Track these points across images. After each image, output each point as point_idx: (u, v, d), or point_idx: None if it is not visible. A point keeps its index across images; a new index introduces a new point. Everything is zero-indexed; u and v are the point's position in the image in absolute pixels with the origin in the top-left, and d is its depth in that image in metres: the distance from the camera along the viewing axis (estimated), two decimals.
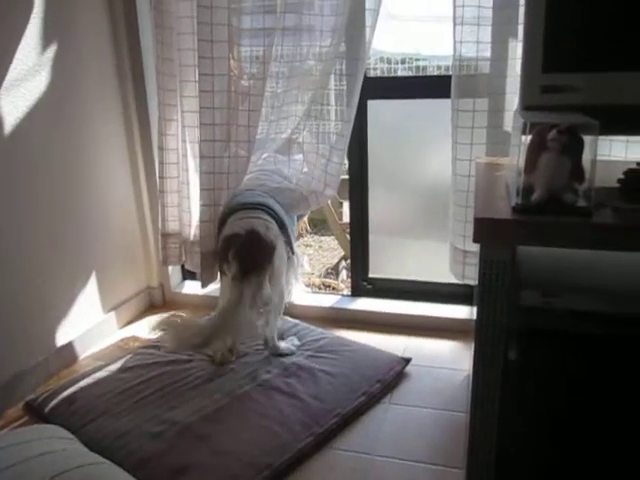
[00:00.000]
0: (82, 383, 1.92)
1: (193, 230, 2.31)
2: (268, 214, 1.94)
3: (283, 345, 2.07)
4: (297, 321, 2.30)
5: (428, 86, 2.19)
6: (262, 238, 1.84)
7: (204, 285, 2.20)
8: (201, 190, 2.13)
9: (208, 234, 2.14)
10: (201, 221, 2.16)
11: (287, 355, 2.04)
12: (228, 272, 1.83)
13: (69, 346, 2.16)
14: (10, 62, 1.84)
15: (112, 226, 2.37)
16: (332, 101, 2.17)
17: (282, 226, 1.97)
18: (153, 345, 2.16)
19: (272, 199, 2.05)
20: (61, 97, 2.05)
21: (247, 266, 1.80)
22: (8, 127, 1.85)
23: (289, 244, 1.99)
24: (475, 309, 1.22)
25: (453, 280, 2.12)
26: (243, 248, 1.82)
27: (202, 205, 2.14)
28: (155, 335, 2.01)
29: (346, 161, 2.33)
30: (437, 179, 2.28)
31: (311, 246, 4.14)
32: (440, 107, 2.04)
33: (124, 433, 1.65)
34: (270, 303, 1.86)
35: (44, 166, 2.00)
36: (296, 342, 2.13)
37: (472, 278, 2.02)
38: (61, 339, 2.13)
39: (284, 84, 2.10)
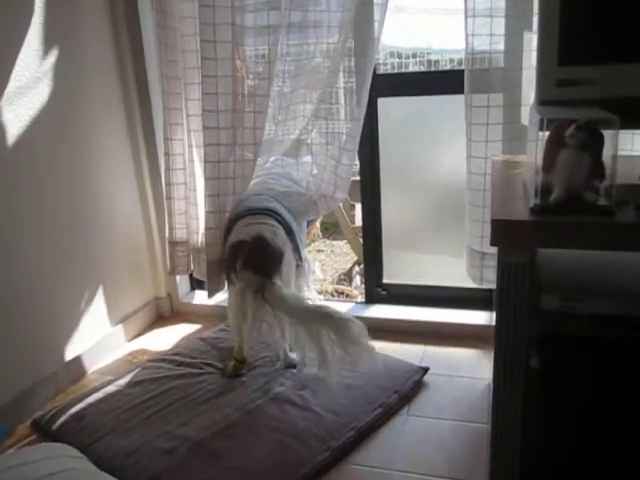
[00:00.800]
0: (90, 399, 1.94)
1: (201, 237, 2.33)
2: (275, 219, 1.94)
3: (294, 356, 2.08)
4: None
5: (440, 81, 2.18)
6: (269, 244, 1.84)
7: (211, 295, 2.21)
8: (206, 196, 2.15)
9: (214, 242, 2.15)
10: (207, 228, 2.18)
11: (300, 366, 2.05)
12: (237, 282, 1.84)
13: (77, 360, 2.18)
14: (11, 70, 1.86)
15: (118, 236, 2.39)
16: (341, 100, 2.17)
17: (290, 232, 1.97)
18: (162, 358, 2.17)
19: (279, 204, 2.06)
20: (64, 106, 2.08)
21: (260, 273, 1.80)
22: (11, 137, 1.88)
23: (297, 251, 1.99)
24: (494, 314, 1.21)
25: (471, 284, 2.11)
26: (251, 256, 1.83)
27: (207, 212, 2.15)
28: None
29: (357, 162, 2.34)
30: (452, 178, 2.28)
31: (323, 251, 4.14)
32: (453, 103, 2.04)
33: (134, 450, 1.66)
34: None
35: (48, 177, 2.03)
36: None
37: (491, 281, 2.01)
38: (69, 353, 2.15)
39: (291, 83, 2.11)
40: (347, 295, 3.13)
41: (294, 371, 2.02)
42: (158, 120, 2.38)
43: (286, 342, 2.02)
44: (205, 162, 2.11)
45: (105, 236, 2.32)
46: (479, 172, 1.93)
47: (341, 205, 3.49)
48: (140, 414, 1.83)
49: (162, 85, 2.21)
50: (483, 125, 1.89)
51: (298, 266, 2.00)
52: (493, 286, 1.94)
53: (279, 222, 1.93)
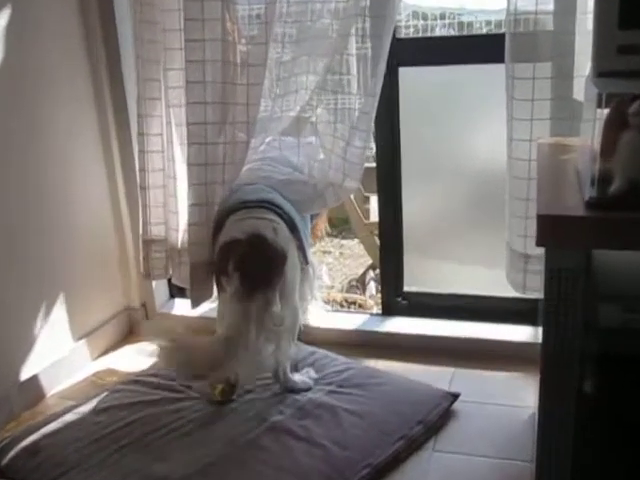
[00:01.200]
0: (48, 428, 1.96)
1: (182, 235, 2.34)
2: (275, 213, 1.96)
3: (297, 378, 2.09)
4: (314, 348, 2.32)
5: (475, 48, 2.20)
6: (269, 244, 1.85)
7: (195, 304, 2.21)
8: (190, 185, 2.16)
9: (199, 240, 2.16)
10: (190, 224, 2.19)
11: (302, 391, 2.06)
12: (228, 288, 1.85)
13: (33, 381, 2.20)
14: None
15: (82, 233, 2.41)
16: (353, 69, 2.17)
17: (293, 228, 1.98)
18: (134, 380, 2.19)
19: (279, 195, 2.07)
20: (15, 74, 2.09)
21: (252, 281, 1.81)
22: None
23: (302, 250, 2.01)
24: (540, 330, 1.22)
25: (512, 293, 2.12)
26: (246, 257, 1.84)
27: (191, 204, 2.17)
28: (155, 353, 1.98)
29: (372, 145, 2.35)
30: (489, 165, 2.29)
31: (330, 252, 4.16)
32: (491, 74, 2.05)
33: None
34: (282, 325, 1.87)
35: None
36: (313, 374, 2.14)
37: (536, 290, 2.02)
38: (24, 373, 2.17)
39: (292, 50, 2.12)
40: (360, 305, 3.15)
41: (295, 397, 2.03)
42: (131, 94, 2.39)
43: (286, 360, 2.04)
44: (189, 144, 2.12)
45: (66, 234, 2.33)
46: (522, 157, 1.94)
47: (352, 197, 3.50)
48: (108, 447, 1.85)
49: (136, 51, 2.22)
50: (528, 101, 1.89)
51: (302, 269, 2.02)
52: (539, 295, 1.95)
53: (280, 216, 1.95)
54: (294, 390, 2.06)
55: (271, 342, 1.90)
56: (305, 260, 2.04)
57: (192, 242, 2.19)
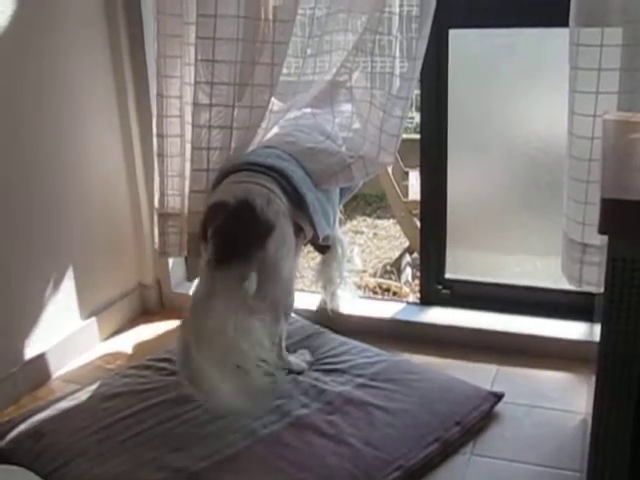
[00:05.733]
0: (52, 413, 2.00)
1: None
2: (276, 183, 1.99)
3: (292, 360, 2.13)
4: (345, 338, 2.34)
5: (536, 9, 2.16)
6: (256, 214, 1.88)
7: (190, 278, 2.24)
8: (193, 149, 2.19)
9: (199, 209, 2.18)
10: (191, 190, 2.23)
11: (295, 373, 2.11)
12: (203, 254, 1.89)
13: (38, 360, 2.26)
14: None
15: (94, 205, 2.45)
16: (394, 29, 2.15)
17: (299, 204, 2.02)
18: (146, 365, 2.23)
19: (295, 165, 2.10)
20: (24, 29, 2.10)
21: (228, 250, 1.84)
22: None
23: (313, 226, 2.04)
24: (598, 327, 1.22)
25: (566, 285, 2.11)
26: (227, 224, 1.87)
27: (194, 170, 2.20)
28: None
29: (415, 115, 2.34)
30: (546, 142, 2.28)
31: (363, 233, 4.16)
32: (553, 40, 2.04)
33: None
34: (263, 302, 1.89)
35: (2, 132, 2.07)
36: (308, 357, 2.20)
37: (593, 283, 2.01)
38: (29, 351, 2.22)
39: (326, 4, 2.12)
40: (394, 293, 3.16)
41: (300, 378, 2.09)
42: (151, 51, 2.41)
43: (278, 336, 2.06)
44: (194, 105, 2.15)
45: (77, 205, 2.37)
46: (585, 135, 1.92)
47: (390, 172, 3.50)
48: (118, 435, 1.89)
49: (157, 4, 2.23)
50: (594, 71, 1.87)
51: (330, 246, 1.99)
52: (597, 289, 1.95)
53: (282, 188, 1.98)
54: (293, 372, 2.11)
55: (245, 321, 1.86)
56: (317, 236, 2.09)
57: (192, 211, 2.23)
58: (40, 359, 2.26)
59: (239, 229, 1.89)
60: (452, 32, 2.28)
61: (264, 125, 2.21)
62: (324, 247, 2.34)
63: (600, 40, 1.86)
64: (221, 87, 2.13)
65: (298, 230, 2.06)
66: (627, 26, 1.84)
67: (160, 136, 2.34)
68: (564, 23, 1.91)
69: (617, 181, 1.22)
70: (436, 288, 2.53)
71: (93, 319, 2.48)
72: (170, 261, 2.68)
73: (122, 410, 1.98)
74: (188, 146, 2.30)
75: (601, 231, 1.15)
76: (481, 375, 2.18)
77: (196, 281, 2.70)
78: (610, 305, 1.18)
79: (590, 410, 1.30)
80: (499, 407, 2.03)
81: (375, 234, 4.16)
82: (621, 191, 1.16)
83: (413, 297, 2.69)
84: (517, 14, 2.20)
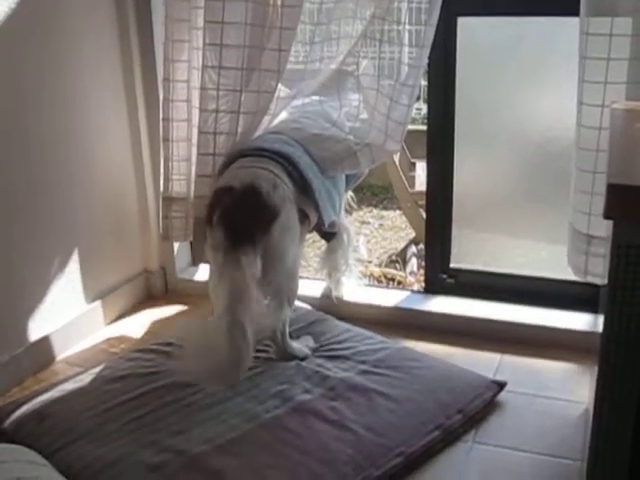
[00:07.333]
0: (56, 394, 2.01)
1: None
2: (282, 168, 1.99)
3: (295, 345, 2.14)
4: (348, 325, 2.35)
5: None
6: (262, 199, 1.89)
7: (196, 262, 2.26)
8: (200, 133, 2.20)
9: (205, 194, 2.20)
10: (198, 175, 2.24)
11: (298, 359, 2.12)
12: (209, 239, 1.91)
13: (43, 343, 2.27)
14: None
15: (101, 188, 2.46)
16: (403, 17, 2.15)
17: (305, 189, 2.03)
18: (150, 348, 2.23)
19: (302, 151, 2.11)
20: (34, 13, 2.11)
21: (235, 235, 1.86)
22: None
23: (319, 212, 2.05)
24: (601, 318, 1.22)
25: (571, 276, 2.12)
26: (233, 208, 1.89)
27: (200, 154, 2.21)
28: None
29: (422, 106, 2.34)
30: (553, 132, 2.27)
31: (369, 223, 4.17)
32: (563, 29, 2.04)
33: (113, 462, 1.73)
34: (269, 287, 1.92)
35: (7, 115, 2.07)
36: (311, 344, 2.21)
37: (598, 275, 2.01)
38: (34, 333, 2.23)
39: None
40: (399, 282, 3.16)
41: (303, 364, 2.09)
42: (159, 35, 2.42)
43: (282, 322, 2.07)
44: (202, 89, 2.16)
45: (83, 190, 2.38)
46: (593, 125, 1.92)
47: (397, 162, 3.50)
48: (121, 417, 1.90)
49: None
50: (603, 60, 1.87)
51: (336, 234, 2.00)
52: (602, 281, 1.95)
53: (288, 174, 1.99)
54: (290, 357, 2.12)
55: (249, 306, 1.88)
56: (322, 222, 2.10)
57: (198, 195, 2.24)
58: (44, 341, 2.28)
59: (245, 214, 1.90)
60: (461, 21, 2.27)
61: (271, 111, 2.21)
62: (330, 234, 2.35)
63: (610, 29, 1.86)
64: (229, 72, 2.14)
65: (303, 217, 2.07)
66: (637, 16, 1.84)
67: (166, 120, 2.35)
68: (574, 12, 1.91)
69: (623, 168, 1.22)
70: (441, 277, 2.53)
71: (98, 303, 2.49)
72: (175, 247, 2.70)
73: (125, 393, 1.99)
74: (195, 130, 2.31)
75: (606, 216, 1.15)
76: (484, 364, 2.19)
77: (200, 266, 2.77)
78: (613, 292, 1.18)
79: (592, 400, 1.30)
80: (501, 396, 2.03)
81: (381, 225, 4.17)
82: (627, 177, 1.16)
83: (418, 286, 2.69)
84: (526, 2, 2.20)
